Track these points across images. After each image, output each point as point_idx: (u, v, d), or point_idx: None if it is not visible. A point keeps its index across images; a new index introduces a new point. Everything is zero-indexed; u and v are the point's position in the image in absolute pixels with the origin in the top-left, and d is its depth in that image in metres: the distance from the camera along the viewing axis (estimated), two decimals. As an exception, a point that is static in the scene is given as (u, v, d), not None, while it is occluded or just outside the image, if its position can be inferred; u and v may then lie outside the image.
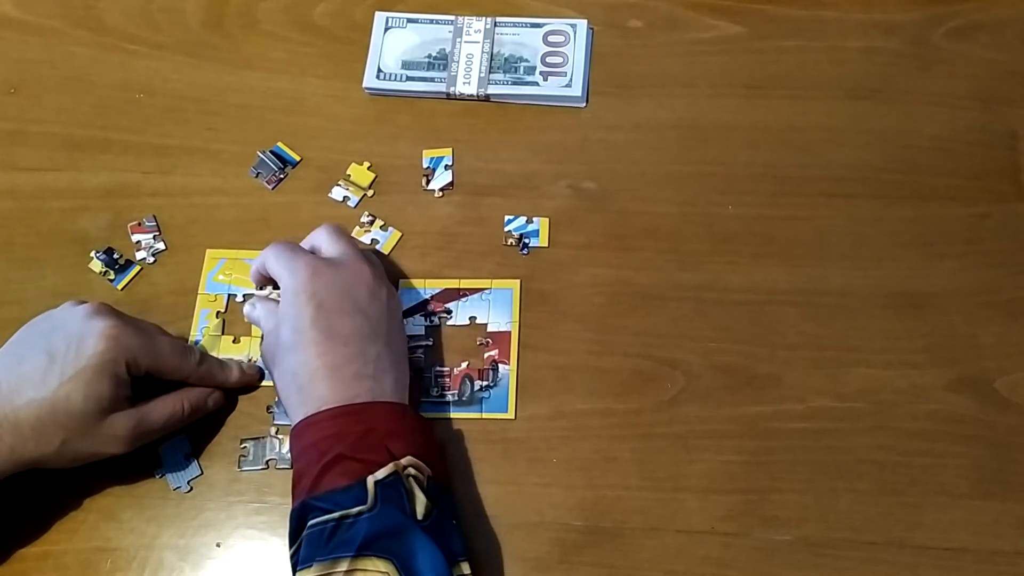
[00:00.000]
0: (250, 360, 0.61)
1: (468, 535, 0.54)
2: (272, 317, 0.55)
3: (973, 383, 0.58)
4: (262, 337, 0.58)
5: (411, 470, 0.49)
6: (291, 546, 0.49)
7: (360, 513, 0.47)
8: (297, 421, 0.52)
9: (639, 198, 0.64)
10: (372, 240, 0.64)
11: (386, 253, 0.64)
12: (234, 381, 0.59)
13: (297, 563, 0.47)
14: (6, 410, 0.51)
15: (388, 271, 0.62)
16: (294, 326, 0.53)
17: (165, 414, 0.55)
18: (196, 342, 0.61)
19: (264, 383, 0.60)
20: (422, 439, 0.52)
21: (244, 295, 0.62)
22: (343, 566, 0.45)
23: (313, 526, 0.47)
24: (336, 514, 0.47)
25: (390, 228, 0.64)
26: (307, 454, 0.50)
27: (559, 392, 0.59)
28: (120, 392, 0.53)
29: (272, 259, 0.56)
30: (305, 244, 0.58)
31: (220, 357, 0.60)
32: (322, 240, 0.57)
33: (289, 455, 0.57)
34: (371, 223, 0.65)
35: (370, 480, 0.48)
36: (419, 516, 0.48)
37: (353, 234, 0.64)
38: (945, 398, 0.57)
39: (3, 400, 0.51)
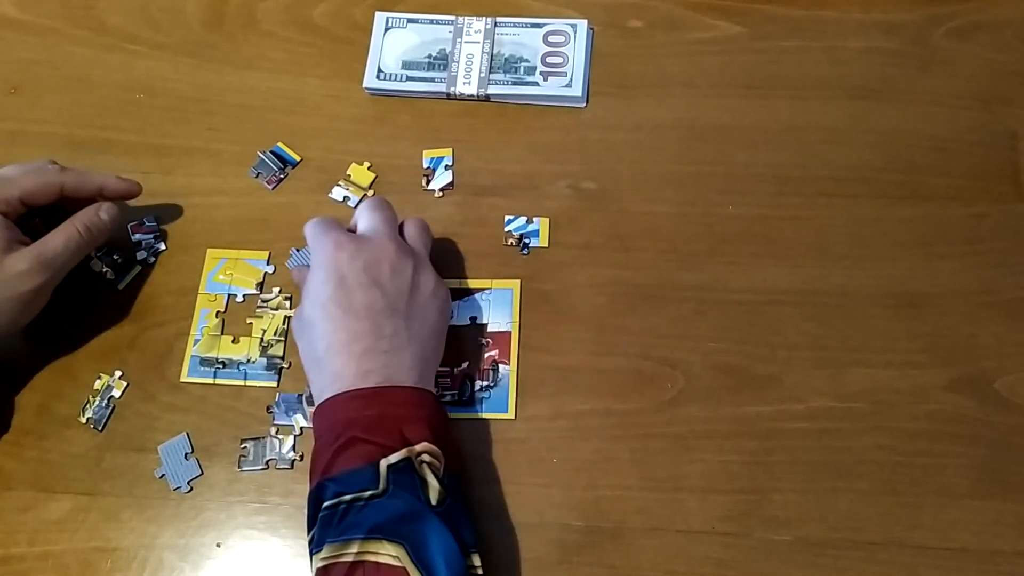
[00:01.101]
0: (249, 360, 0.61)
1: (468, 535, 0.54)
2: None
3: (973, 383, 0.58)
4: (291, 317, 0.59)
5: (425, 456, 0.49)
6: (309, 530, 0.49)
7: (372, 496, 0.47)
8: (317, 398, 0.52)
9: (639, 198, 0.64)
10: (372, 240, 0.64)
11: (386, 253, 0.64)
12: (113, 184, 0.61)
13: (312, 545, 0.48)
14: None
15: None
16: (315, 300, 0.53)
17: (61, 240, 0.58)
18: (196, 341, 0.61)
19: (257, 382, 0.60)
20: (438, 427, 0.51)
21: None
22: (353, 548, 0.46)
23: (326, 508, 0.47)
24: (348, 496, 0.47)
25: (390, 228, 0.64)
26: (324, 435, 0.50)
27: (559, 392, 0.59)
28: (5, 234, 0.56)
29: (309, 234, 0.57)
30: (353, 218, 0.59)
31: (220, 358, 0.60)
32: (360, 213, 0.58)
33: (289, 455, 0.58)
34: (371, 223, 0.65)
35: (383, 464, 0.48)
36: (433, 503, 0.48)
37: (353, 234, 0.64)
38: (945, 398, 0.57)
39: None
